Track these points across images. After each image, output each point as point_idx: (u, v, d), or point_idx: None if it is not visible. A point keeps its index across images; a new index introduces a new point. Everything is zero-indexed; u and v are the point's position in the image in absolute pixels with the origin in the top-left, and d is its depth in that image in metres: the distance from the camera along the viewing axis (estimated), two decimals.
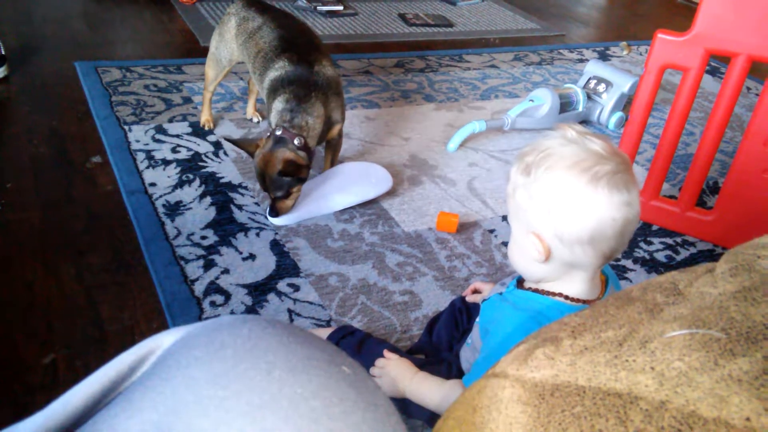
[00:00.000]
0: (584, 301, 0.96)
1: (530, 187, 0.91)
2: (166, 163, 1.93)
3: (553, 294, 0.99)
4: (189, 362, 0.55)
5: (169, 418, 0.51)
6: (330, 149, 1.87)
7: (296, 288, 1.50)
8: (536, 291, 1.01)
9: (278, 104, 1.69)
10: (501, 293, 1.07)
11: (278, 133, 1.64)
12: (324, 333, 1.29)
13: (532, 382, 0.71)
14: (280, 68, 1.75)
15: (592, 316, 0.77)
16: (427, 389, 1.10)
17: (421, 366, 1.17)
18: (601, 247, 0.91)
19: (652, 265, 1.73)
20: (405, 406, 1.15)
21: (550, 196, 0.89)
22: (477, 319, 1.12)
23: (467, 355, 1.17)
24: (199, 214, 1.71)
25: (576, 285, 0.98)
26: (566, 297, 0.98)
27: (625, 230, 0.90)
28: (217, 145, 2.05)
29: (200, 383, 0.53)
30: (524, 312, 0.98)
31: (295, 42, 1.81)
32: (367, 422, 0.54)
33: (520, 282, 1.07)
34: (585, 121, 2.52)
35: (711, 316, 0.70)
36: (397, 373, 1.14)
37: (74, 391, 0.57)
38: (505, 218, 1.86)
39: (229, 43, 1.98)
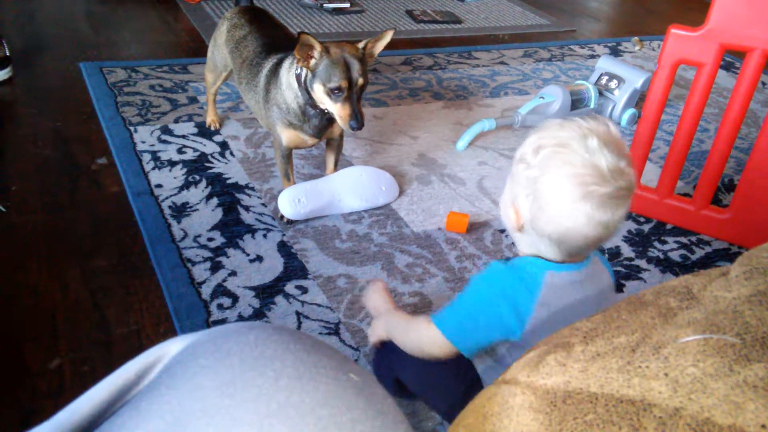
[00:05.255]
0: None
1: (530, 170, 0.93)
2: (172, 164, 1.92)
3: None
4: (195, 370, 0.55)
5: (176, 427, 0.51)
6: (331, 150, 1.85)
7: (304, 290, 1.49)
8: None
9: (287, 65, 1.66)
10: None
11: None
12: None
13: (544, 389, 0.70)
14: (271, 61, 1.73)
15: (604, 321, 0.76)
16: (395, 324, 1.12)
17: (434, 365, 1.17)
18: (565, 249, 0.95)
19: (667, 265, 1.72)
20: (426, 399, 1.17)
21: (541, 189, 0.92)
22: None
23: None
24: (206, 215, 1.71)
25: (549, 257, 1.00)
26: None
27: (593, 243, 0.94)
28: (224, 146, 2.05)
29: (207, 392, 0.52)
30: (501, 262, 1.01)
31: (283, 45, 1.79)
32: (375, 431, 0.54)
33: None
34: None
35: (725, 321, 0.69)
36: (371, 305, 1.21)
37: (81, 399, 0.57)
38: None
39: (221, 49, 1.97)
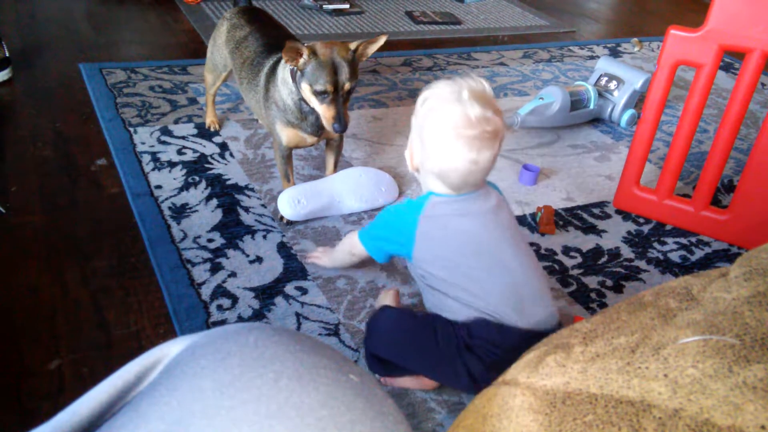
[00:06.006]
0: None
1: (418, 119, 1.20)
2: (171, 165, 1.92)
3: None
4: (195, 372, 0.55)
5: (176, 428, 0.51)
6: (331, 151, 1.85)
7: (304, 291, 1.49)
8: None
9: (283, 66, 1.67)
10: None
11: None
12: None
13: (543, 390, 0.70)
14: (271, 60, 1.73)
15: (603, 322, 0.76)
16: (333, 249, 1.50)
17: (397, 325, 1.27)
18: (448, 183, 1.19)
19: (666, 266, 1.72)
20: (444, 377, 1.22)
21: (425, 134, 1.18)
22: None
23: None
24: (206, 216, 1.71)
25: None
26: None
27: (467, 178, 1.18)
28: (223, 147, 2.05)
29: (207, 393, 0.52)
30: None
31: (284, 45, 1.79)
32: (375, 431, 0.54)
33: None
34: (597, 119, 2.50)
35: (725, 322, 0.69)
36: (323, 262, 1.54)
37: (82, 400, 0.57)
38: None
39: (221, 49, 1.97)
